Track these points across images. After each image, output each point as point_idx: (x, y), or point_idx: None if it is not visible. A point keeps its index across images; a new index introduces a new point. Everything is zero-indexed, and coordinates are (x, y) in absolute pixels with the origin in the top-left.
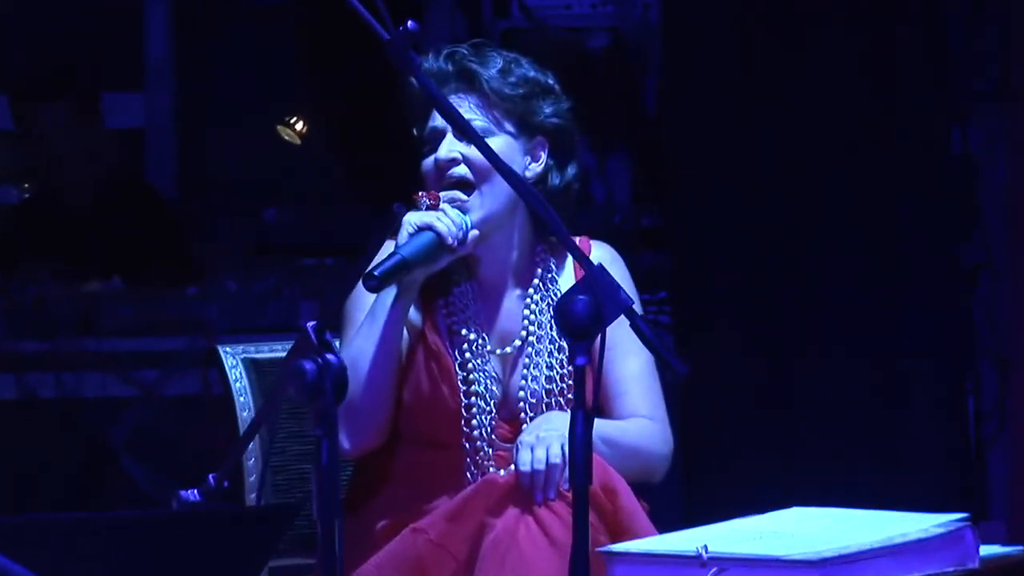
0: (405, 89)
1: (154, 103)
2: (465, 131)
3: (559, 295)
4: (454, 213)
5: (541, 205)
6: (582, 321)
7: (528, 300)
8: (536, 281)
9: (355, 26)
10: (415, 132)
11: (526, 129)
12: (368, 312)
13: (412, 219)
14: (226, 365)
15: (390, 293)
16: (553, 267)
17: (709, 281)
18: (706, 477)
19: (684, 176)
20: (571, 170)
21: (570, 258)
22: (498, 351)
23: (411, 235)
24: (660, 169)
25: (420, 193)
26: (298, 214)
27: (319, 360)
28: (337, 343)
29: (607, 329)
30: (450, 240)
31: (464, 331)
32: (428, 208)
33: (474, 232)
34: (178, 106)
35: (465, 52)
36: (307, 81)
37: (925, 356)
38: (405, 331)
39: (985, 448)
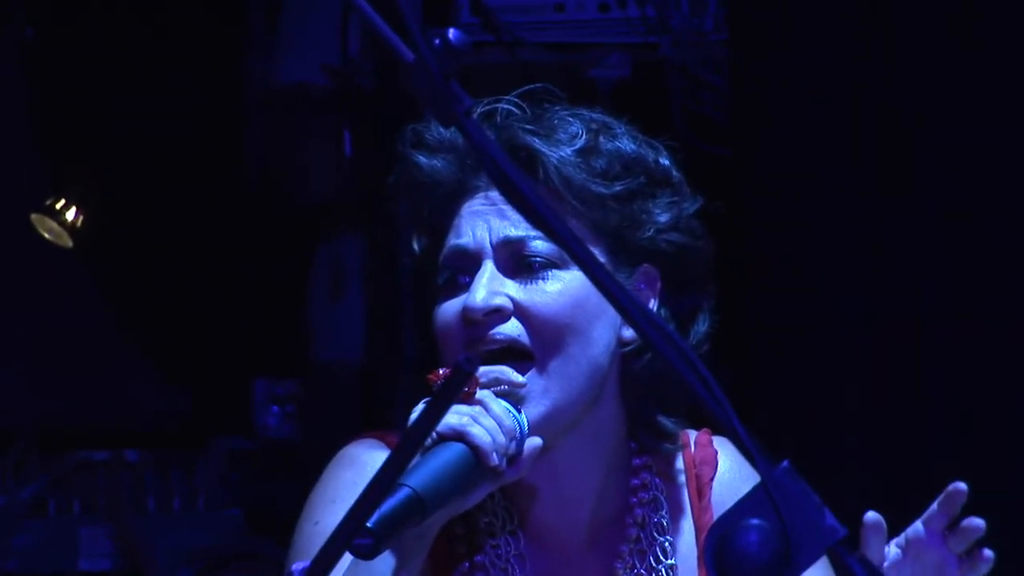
0: (400, 162)
1: None
2: (571, 247)
3: (667, 545)
4: (500, 408)
5: (712, 397)
6: (758, 566)
7: (619, 562)
8: (635, 528)
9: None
10: (415, 245)
11: (624, 253)
12: None
13: None
14: None
15: (386, 561)
16: (663, 498)
17: None
18: None
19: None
20: (702, 325)
21: (685, 481)
22: None
23: (427, 449)
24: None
25: (440, 371)
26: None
27: None
28: None
29: None
30: (495, 458)
31: None
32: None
33: (534, 441)
34: None
35: (514, 110)
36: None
37: None
38: None
39: None
